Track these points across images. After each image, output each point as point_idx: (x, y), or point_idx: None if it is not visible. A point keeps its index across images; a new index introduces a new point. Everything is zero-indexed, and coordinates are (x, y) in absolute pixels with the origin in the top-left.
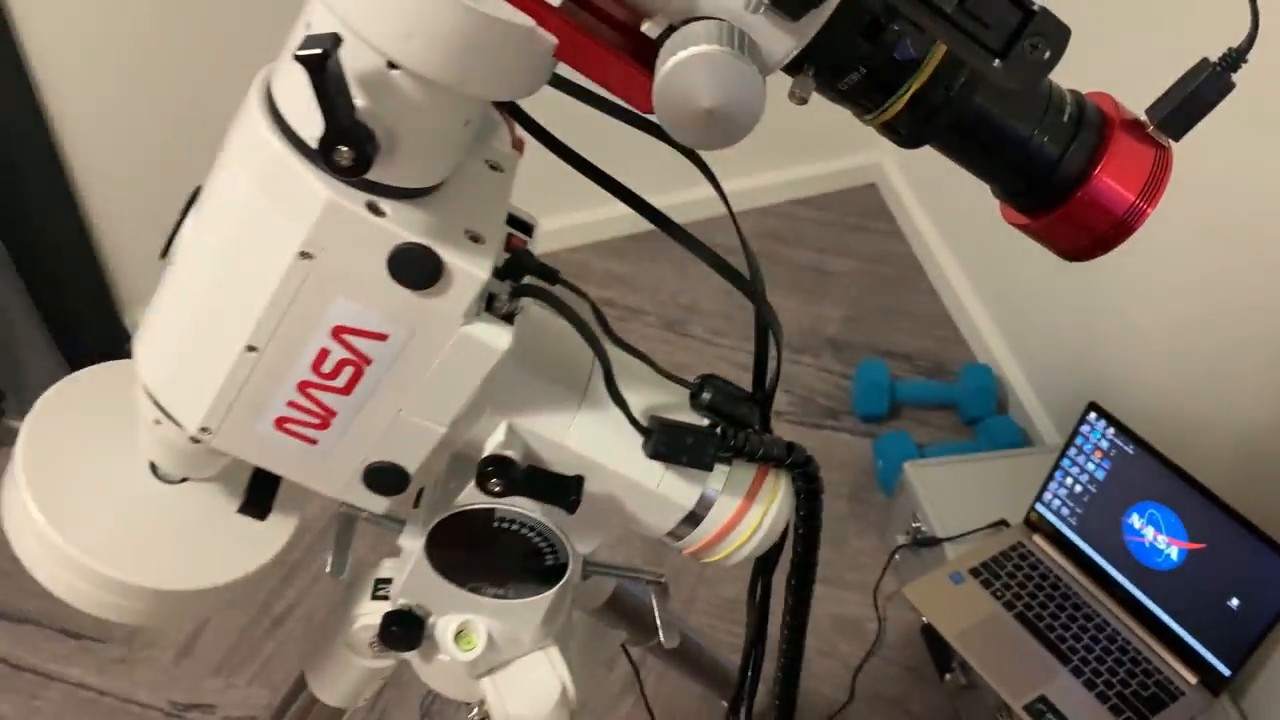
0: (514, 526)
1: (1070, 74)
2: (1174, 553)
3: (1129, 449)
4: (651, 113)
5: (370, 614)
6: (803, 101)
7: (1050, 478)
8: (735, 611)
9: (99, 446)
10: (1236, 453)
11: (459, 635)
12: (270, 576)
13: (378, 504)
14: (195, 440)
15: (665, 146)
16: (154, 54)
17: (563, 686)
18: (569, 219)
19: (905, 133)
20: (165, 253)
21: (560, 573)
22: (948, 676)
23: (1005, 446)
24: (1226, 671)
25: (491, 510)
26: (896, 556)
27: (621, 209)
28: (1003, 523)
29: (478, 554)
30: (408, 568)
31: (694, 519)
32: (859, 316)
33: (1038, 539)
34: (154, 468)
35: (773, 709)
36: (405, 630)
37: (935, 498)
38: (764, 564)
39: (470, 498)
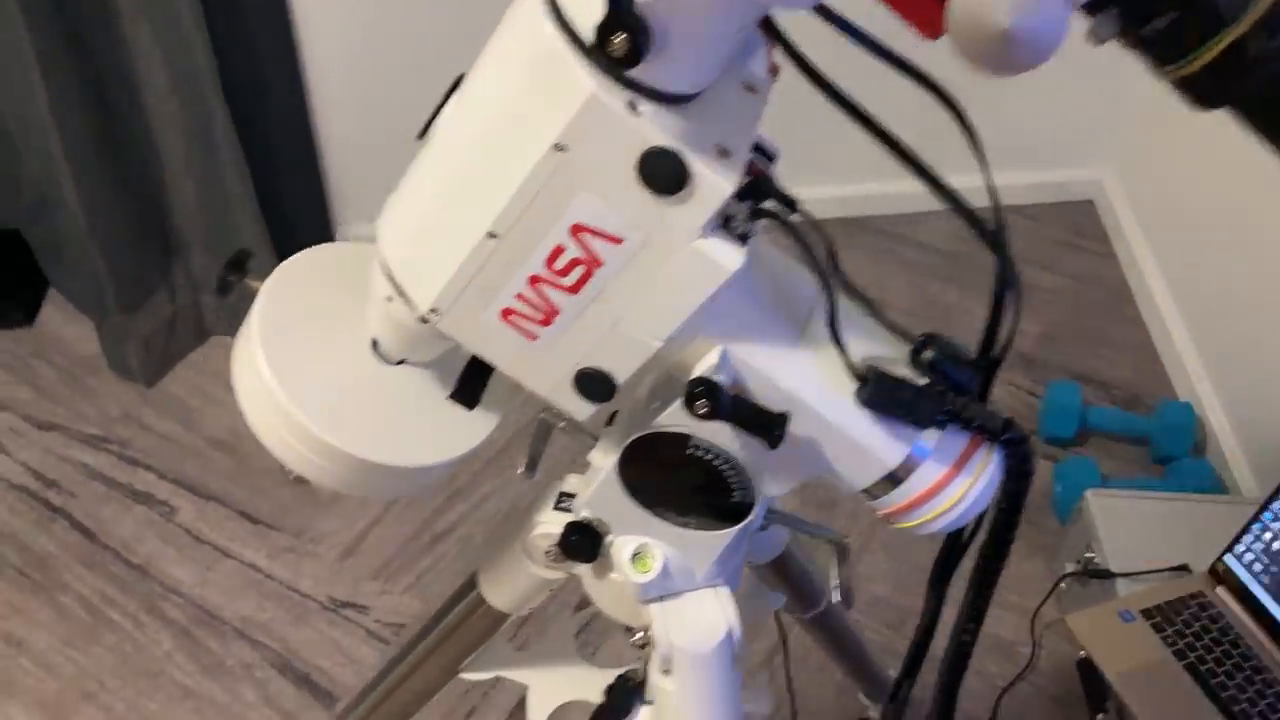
0: (708, 456)
1: None
2: None
3: None
4: (935, 36)
5: (550, 523)
6: (1101, 42)
7: (1246, 529)
8: (884, 610)
9: (328, 318)
10: None
11: (635, 556)
12: (454, 472)
13: (582, 409)
14: (424, 320)
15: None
16: None
17: (729, 628)
18: None
19: (1205, 91)
20: (423, 134)
21: (744, 512)
22: (1100, 716)
23: (1197, 490)
24: None
25: (688, 436)
26: (1062, 585)
27: (827, 191)
28: (1184, 568)
29: (667, 479)
30: (596, 482)
31: (895, 479)
32: (1057, 336)
33: (1221, 591)
34: (375, 346)
35: (936, 700)
36: (585, 541)
37: (1115, 530)
38: (954, 541)
39: (671, 419)
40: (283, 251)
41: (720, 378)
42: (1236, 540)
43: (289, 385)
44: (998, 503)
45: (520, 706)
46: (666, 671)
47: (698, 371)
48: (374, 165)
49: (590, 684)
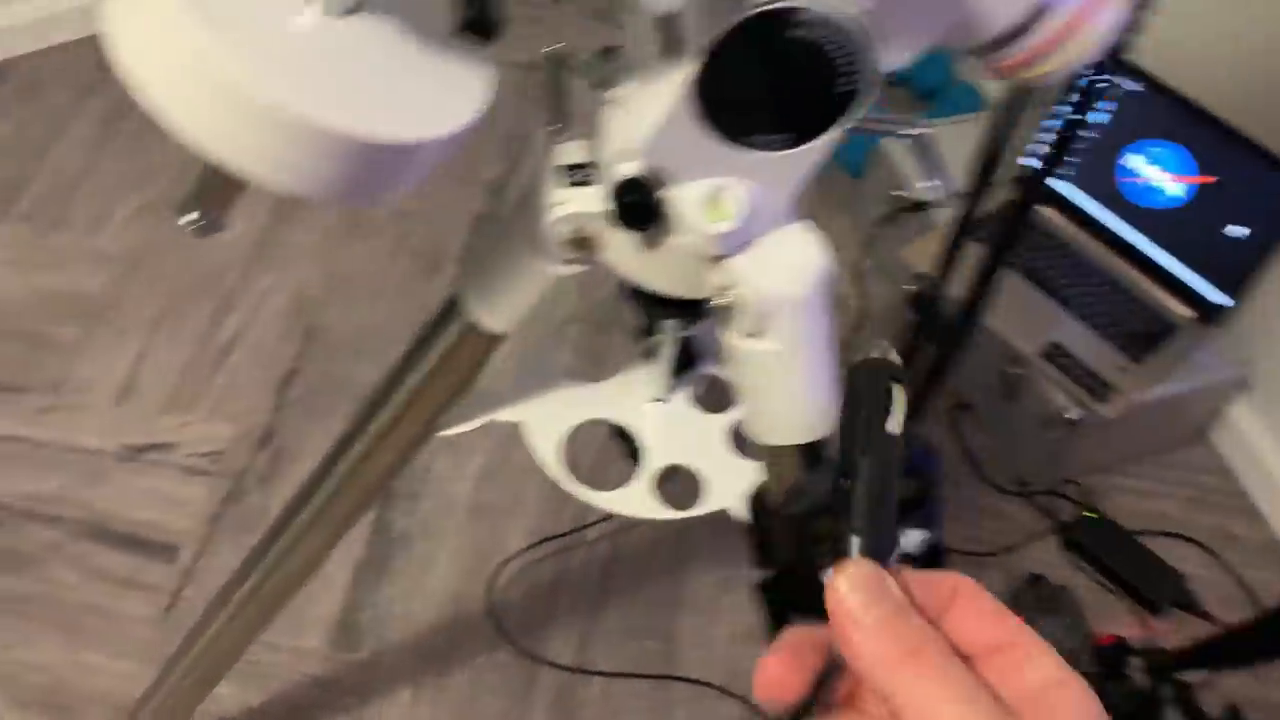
0: (816, 34)
1: None
2: (1179, 189)
3: (1138, 88)
4: None
5: (571, 202)
6: None
7: (1039, 129)
8: None
9: None
10: (1245, 79)
11: (710, 204)
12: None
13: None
14: None
15: None
16: None
17: (828, 262)
18: None
19: None
20: None
21: (850, 102)
22: None
23: (970, 112)
24: (1227, 301)
25: (794, 11)
26: (874, 229)
27: None
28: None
29: (756, 87)
30: (652, 121)
31: (1045, 8)
32: None
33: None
34: None
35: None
36: (648, 199)
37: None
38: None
39: None
40: None
41: None
42: (1034, 144)
43: (227, 45)
44: None
45: None
46: (757, 334)
47: None
48: None
49: (593, 402)
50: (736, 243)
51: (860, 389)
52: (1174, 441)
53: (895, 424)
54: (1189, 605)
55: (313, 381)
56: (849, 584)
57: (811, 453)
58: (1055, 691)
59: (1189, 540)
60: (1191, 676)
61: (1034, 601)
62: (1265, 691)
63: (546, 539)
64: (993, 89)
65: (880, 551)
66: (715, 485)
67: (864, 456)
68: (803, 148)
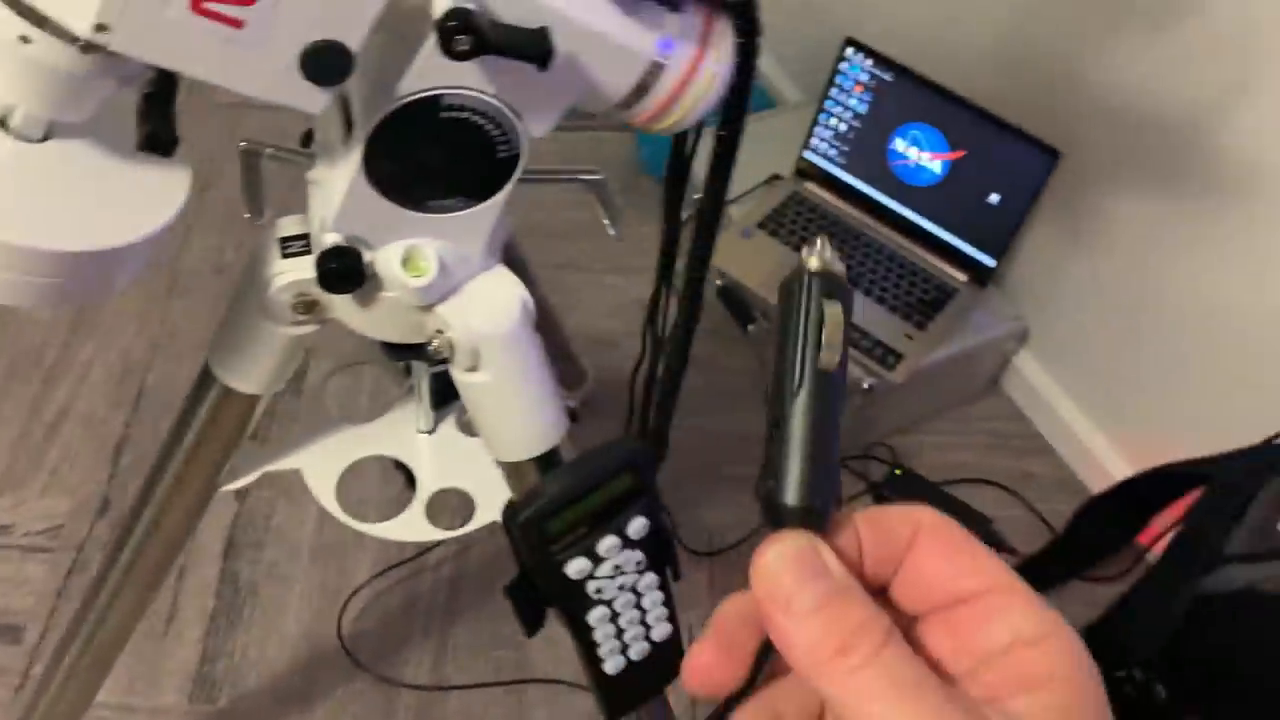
0: (464, 114)
1: None
2: (937, 166)
3: (888, 76)
4: None
5: (290, 271)
6: None
7: (814, 123)
8: None
9: None
10: (982, 58)
11: (406, 262)
12: (170, 240)
13: (316, 99)
14: (88, 49)
15: None
16: None
17: (523, 296)
18: None
19: None
20: None
21: (512, 166)
22: (750, 328)
23: (755, 110)
24: (992, 263)
25: (439, 97)
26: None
27: None
28: (776, 177)
29: (422, 160)
30: (341, 194)
31: (653, 73)
32: None
33: (810, 185)
34: (7, 123)
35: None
36: (348, 265)
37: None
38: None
39: (416, 81)
40: None
41: (469, 4)
42: (809, 136)
43: None
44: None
45: None
46: (474, 368)
47: (442, 7)
48: None
49: (364, 441)
50: (439, 293)
51: (788, 311)
52: (970, 395)
53: (831, 352)
54: (996, 544)
55: (146, 444)
56: (778, 560)
57: (547, 461)
58: (1025, 652)
59: (991, 483)
60: None
61: None
62: (1066, 612)
63: (391, 568)
64: (782, 88)
65: (817, 512)
66: (484, 502)
67: (793, 400)
68: (481, 206)
